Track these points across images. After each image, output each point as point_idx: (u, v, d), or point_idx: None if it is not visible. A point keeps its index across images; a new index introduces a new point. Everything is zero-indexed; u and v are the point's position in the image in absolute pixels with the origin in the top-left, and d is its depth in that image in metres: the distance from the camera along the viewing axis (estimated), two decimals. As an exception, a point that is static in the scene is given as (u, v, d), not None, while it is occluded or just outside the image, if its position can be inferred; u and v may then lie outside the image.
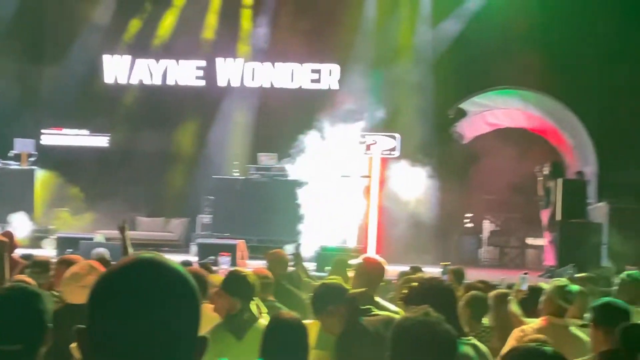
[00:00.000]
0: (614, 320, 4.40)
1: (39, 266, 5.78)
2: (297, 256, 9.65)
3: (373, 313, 4.54)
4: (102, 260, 5.62)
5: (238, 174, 16.56)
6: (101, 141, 19.29)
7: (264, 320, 4.59)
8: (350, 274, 5.75)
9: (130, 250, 6.53)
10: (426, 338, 2.73)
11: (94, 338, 1.54)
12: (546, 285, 5.95)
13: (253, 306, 4.73)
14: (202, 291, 4.75)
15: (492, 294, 6.36)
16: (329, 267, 8.10)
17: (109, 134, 19.34)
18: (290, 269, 8.86)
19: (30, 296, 2.93)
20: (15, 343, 2.77)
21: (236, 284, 4.72)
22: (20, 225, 15.60)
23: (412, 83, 17.39)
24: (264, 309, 4.87)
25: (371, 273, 5.55)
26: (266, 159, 16.43)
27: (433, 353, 2.74)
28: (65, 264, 4.84)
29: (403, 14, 18.25)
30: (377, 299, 5.12)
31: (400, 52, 17.96)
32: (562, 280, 5.78)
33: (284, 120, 17.81)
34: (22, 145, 17.19)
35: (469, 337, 4.08)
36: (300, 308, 6.01)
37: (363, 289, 4.92)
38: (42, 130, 19.09)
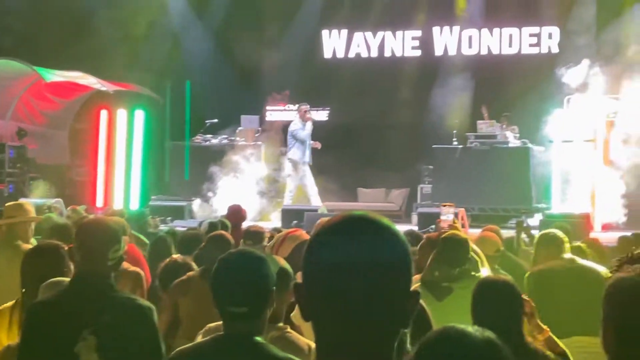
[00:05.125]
0: None
1: (251, 237, 6.00)
2: (519, 224, 9.55)
3: None
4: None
5: (457, 143, 16.44)
6: (321, 115, 19.76)
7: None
8: None
9: None
10: None
11: (310, 291, 1.60)
12: None
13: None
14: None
15: None
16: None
17: (329, 108, 19.77)
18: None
19: (256, 260, 3.06)
20: (242, 305, 2.92)
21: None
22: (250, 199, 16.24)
23: None
24: None
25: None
26: (485, 126, 16.18)
27: None
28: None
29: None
30: None
31: (625, 7, 17.00)
32: None
33: (502, 86, 17.50)
34: (247, 121, 17.85)
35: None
36: (519, 274, 5.95)
37: None
38: (267, 107, 19.81)
